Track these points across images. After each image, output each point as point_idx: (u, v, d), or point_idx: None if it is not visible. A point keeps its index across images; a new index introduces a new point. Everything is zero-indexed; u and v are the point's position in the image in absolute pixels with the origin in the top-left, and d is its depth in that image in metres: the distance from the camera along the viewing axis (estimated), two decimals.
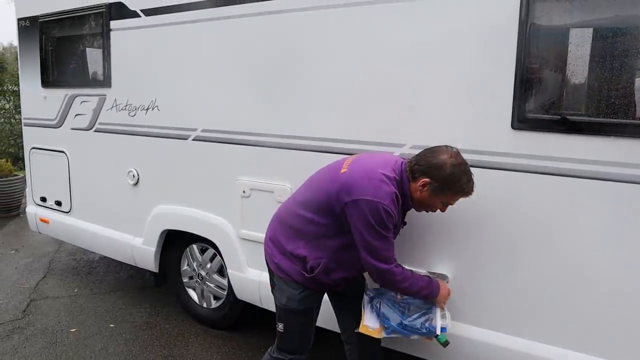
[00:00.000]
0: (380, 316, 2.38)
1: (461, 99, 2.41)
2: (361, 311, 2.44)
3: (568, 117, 2.18)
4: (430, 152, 2.20)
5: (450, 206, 2.27)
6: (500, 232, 2.39)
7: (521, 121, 2.26)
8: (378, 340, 2.47)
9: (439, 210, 2.30)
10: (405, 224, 2.44)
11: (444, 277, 2.55)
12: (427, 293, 2.33)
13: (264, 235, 2.52)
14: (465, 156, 2.39)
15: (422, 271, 2.54)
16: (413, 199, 2.25)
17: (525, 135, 2.27)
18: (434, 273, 2.57)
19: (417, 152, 2.52)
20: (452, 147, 2.20)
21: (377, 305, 2.41)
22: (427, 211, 2.32)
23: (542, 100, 2.29)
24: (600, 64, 2.11)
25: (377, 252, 2.18)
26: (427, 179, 2.16)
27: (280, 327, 2.40)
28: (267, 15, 2.96)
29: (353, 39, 2.68)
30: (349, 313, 2.56)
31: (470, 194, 2.20)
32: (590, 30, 2.15)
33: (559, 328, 2.29)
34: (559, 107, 2.27)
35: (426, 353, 2.63)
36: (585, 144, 2.14)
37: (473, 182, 2.19)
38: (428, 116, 2.51)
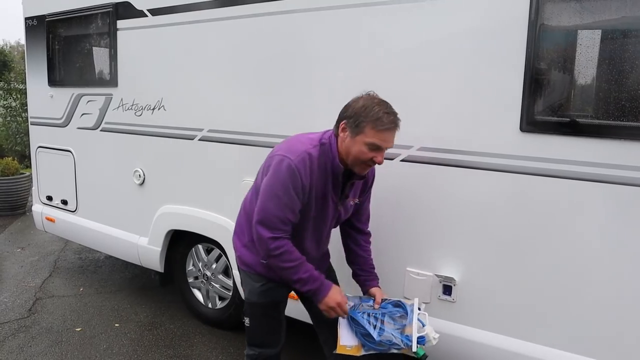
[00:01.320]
0: (357, 332, 2.20)
1: (469, 100, 2.40)
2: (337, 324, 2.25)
3: (577, 119, 2.16)
4: None
5: (384, 155, 2.07)
6: (508, 235, 2.37)
7: (530, 123, 2.24)
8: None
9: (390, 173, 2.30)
10: (358, 203, 2.32)
11: (450, 279, 2.54)
12: (307, 288, 2.10)
13: None
14: (473, 158, 2.41)
15: (428, 273, 2.53)
16: (342, 155, 2.09)
17: (534, 138, 2.25)
18: (441, 276, 2.56)
19: (425, 154, 2.54)
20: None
21: (353, 318, 2.22)
22: (364, 168, 2.11)
23: (551, 103, 2.27)
24: (610, 65, 2.09)
25: (265, 213, 2.03)
26: (344, 121, 2.06)
27: (246, 321, 2.36)
28: (273, 15, 2.95)
29: (360, 40, 2.67)
30: (325, 325, 2.39)
31: (391, 129, 2.02)
32: (600, 31, 2.13)
33: (570, 333, 2.27)
34: (568, 109, 2.25)
35: None
36: (594, 147, 2.12)
37: (394, 116, 2.02)
38: (435, 118, 2.50)
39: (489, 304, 2.46)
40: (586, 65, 2.17)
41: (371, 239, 2.50)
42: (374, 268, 2.46)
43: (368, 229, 2.49)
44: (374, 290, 2.38)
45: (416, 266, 2.65)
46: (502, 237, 2.38)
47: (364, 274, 2.43)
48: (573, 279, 2.23)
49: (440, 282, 2.58)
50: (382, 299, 2.32)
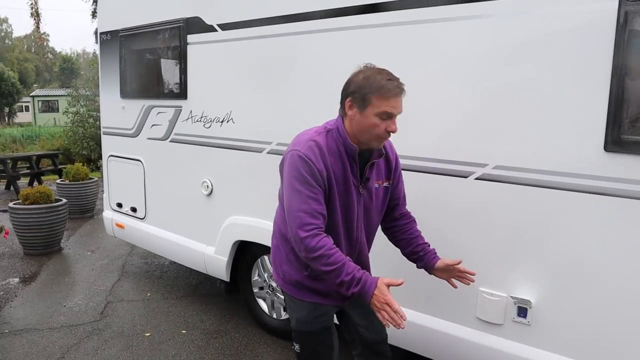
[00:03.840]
0: None
1: (548, 117, 2.31)
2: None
3: None
4: None
5: (394, 124, 1.97)
6: (589, 258, 2.27)
7: (615, 143, 2.14)
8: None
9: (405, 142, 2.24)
10: (388, 187, 2.22)
11: (526, 301, 2.46)
12: (352, 291, 1.89)
13: None
14: (552, 178, 2.32)
15: (502, 294, 2.46)
16: (354, 134, 2.02)
17: (619, 158, 2.14)
18: (516, 298, 2.49)
19: (501, 173, 2.48)
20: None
21: None
22: (378, 141, 2.03)
23: (639, 121, 2.16)
24: None
25: (292, 213, 1.94)
26: (349, 98, 1.99)
27: (296, 347, 2.28)
28: (344, 30, 2.96)
29: (442, 58, 2.63)
30: (351, 322, 2.33)
31: (397, 94, 1.94)
32: None
33: None
34: None
35: None
36: None
37: (397, 81, 1.94)
38: (512, 135, 2.43)
39: (567, 328, 2.36)
40: None
41: (413, 216, 2.36)
42: (428, 244, 2.29)
43: (405, 210, 2.36)
44: (440, 262, 2.22)
45: (490, 286, 2.58)
46: (582, 259, 2.29)
47: (419, 252, 2.26)
48: None
49: (515, 304, 2.51)
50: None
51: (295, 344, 2.30)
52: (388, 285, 1.90)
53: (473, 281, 2.26)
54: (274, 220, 2.33)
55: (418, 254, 2.28)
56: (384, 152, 2.14)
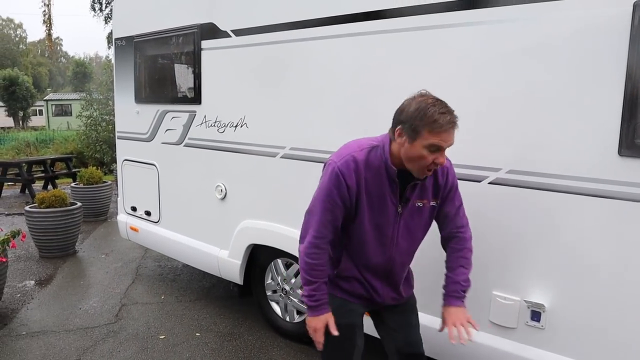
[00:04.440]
0: None
1: (562, 122, 2.32)
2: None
3: None
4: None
5: (443, 157, 1.97)
6: (604, 262, 2.27)
7: (629, 147, 2.14)
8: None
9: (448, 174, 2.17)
10: (435, 206, 2.19)
11: (540, 305, 2.46)
12: (306, 300, 2.15)
13: None
14: (565, 182, 2.33)
15: (516, 298, 2.46)
16: (400, 159, 2.02)
17: (634, 163, 2.14)
18: (530, 302, 2.49)
19: (515, 177, 2.48)
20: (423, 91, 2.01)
21: None
22: (425, 173, 2.02)
23: None
24: None
25: (313, 216, 2.11)
26: (399, 126, 1.97)
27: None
28: (357, 36, 2.98)
29: (453, 62, 2.65)
30: (392, 338, 2.37)
31: (450, 129, 1.90)
32: None
33: None
34: None
35: None
36: None
37: (450, 115, 1.90)
38: (525, 140, 2.44)
39: (580, 332, 2.36)
40: None
41: (467, 245, 2.26)
42: (457, 282, 2.20)
43: (460, 229, 2.27)
44: (444, 311, 2.21)
45: (503, 290, 2.59)
46: (596, 263, 2.29)
47: (446, 285, 2.24)
48: None
49: (529, 308, 2.51)
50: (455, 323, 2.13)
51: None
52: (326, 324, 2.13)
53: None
54: None
55: (445, 284, 2.26)
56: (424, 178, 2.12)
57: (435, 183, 2.18)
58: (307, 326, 2.17)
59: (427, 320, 2.58)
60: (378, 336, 2.49)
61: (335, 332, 2.12)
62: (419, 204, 2.16)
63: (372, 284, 2.25)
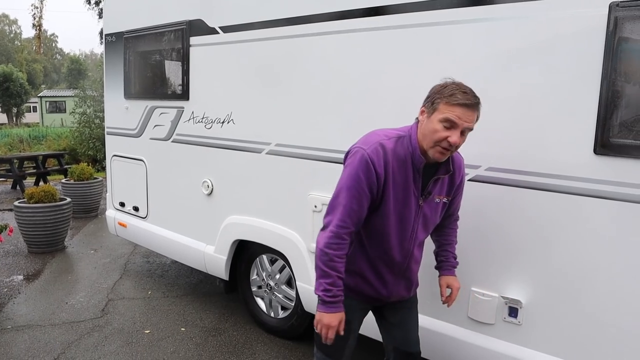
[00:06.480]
0: None
1: (539, 120, 2.36)
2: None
3: None
4: None
5: (456, 131, 1.94)
6: (579, 259, 2.30)
7: (605, 146, 2.17)
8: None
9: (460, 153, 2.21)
10: (446, 202, 2.24)
11: (517, 302, 2.50)
12: (318, 293, 2.06)
13: None
14: (542, 180, 2.36)
15: (494, 294, 2.49)
16: (420, 141, 2.03)
17: (609, 161, 2.18)
18: (507, 298, 2.52)
19: (493, 174, 2.52)
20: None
21: None
22: (439, 152, 1.99)
23: (629, 124, 2.19)
24: None
25: (338, 205, 2.03)
26: (424, 104, 2.04)
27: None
28: (349, 33, 3.00)
29: (433, 57, 2.67)
30: (393, 338, 2.42)
31: (466, 107, 1.92)
32: None
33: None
34: None
35: None
36: None
37: (470, 95, 1.94)
38: (504, 138, 2.47)
39: (557, 328, 2.39)
40: None
41: (457, 225, 2.46)
42: (452, 255, 2.42)
43: (453, 215, 2.43)
44: (443, 281, 2.39)
45: (481, 286, 2.62)
46: (572, 260, 2.32)
47: (441, 258, 2.42)
48: None
49: (506, 304, 2.54)
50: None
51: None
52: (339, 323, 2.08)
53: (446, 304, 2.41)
54: None
55: (438, 257, 2.45)
56: (451, 169, 2.14)
57: (451, 181, 2.22)
58: (317, 321, 2.09)
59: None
60: (376, 337, 2.53)
61: (342, 332, 2.10)
62: (437, 199, 2.19)
63: (385, 277, 2.23)
